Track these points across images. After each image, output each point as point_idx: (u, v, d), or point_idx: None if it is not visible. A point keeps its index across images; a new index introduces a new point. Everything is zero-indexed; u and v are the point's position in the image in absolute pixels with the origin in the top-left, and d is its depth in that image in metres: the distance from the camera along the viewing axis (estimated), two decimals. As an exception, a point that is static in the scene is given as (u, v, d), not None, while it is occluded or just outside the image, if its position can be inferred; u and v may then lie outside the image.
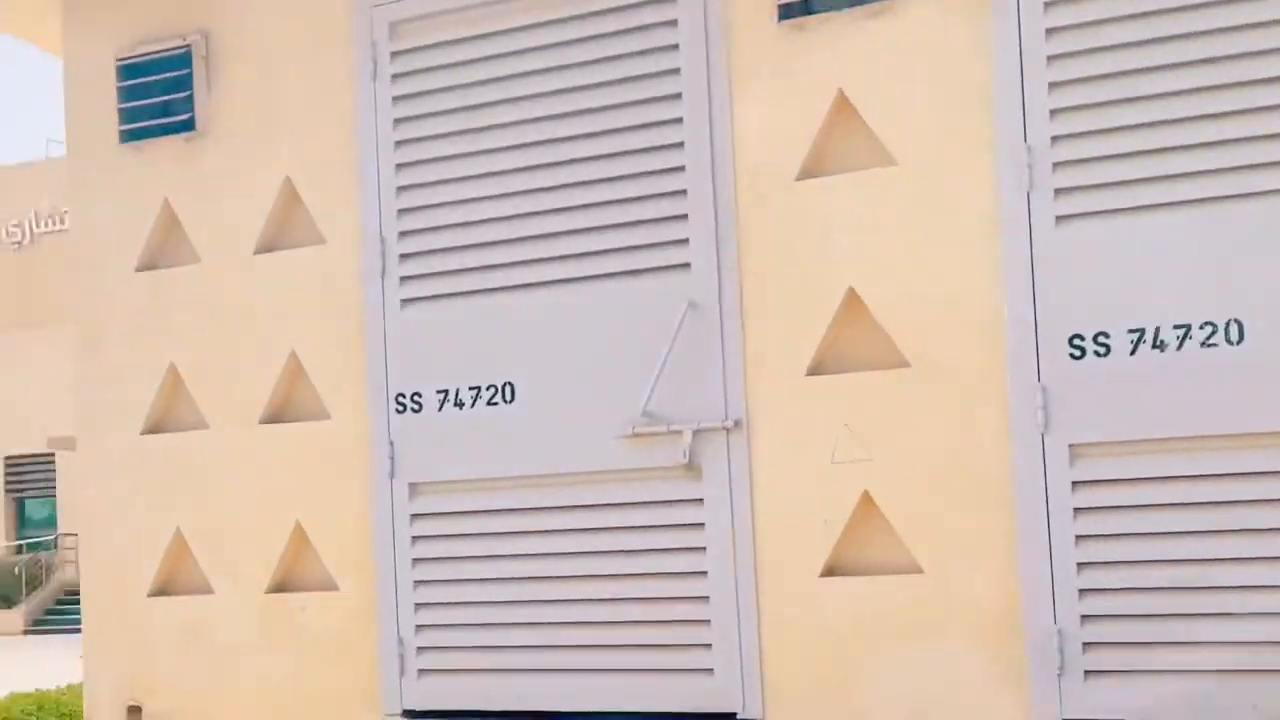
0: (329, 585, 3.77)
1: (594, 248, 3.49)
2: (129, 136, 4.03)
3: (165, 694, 3.95)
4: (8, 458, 21.70)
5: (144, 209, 4.05)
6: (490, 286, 3.60)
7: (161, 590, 4.01)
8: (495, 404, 3.56)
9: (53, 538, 19.99)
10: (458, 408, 3.59)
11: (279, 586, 3.85)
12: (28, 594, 18.63)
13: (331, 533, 3.78)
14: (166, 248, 4.06)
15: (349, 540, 3.74)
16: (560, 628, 3.50)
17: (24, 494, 21.87)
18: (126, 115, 4.01)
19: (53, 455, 21.35)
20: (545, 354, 3.52)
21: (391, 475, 3.67)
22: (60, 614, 19.04)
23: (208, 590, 3.93)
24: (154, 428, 4.04)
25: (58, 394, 21.33)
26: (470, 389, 3.58)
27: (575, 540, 3.49)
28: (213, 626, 3.92)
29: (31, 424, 21.55)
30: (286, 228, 3.89)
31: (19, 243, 23.57)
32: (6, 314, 23.18)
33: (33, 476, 21.64)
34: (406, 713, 3.62)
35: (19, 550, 20.56)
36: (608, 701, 3.44)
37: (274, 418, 3.88)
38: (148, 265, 4.07)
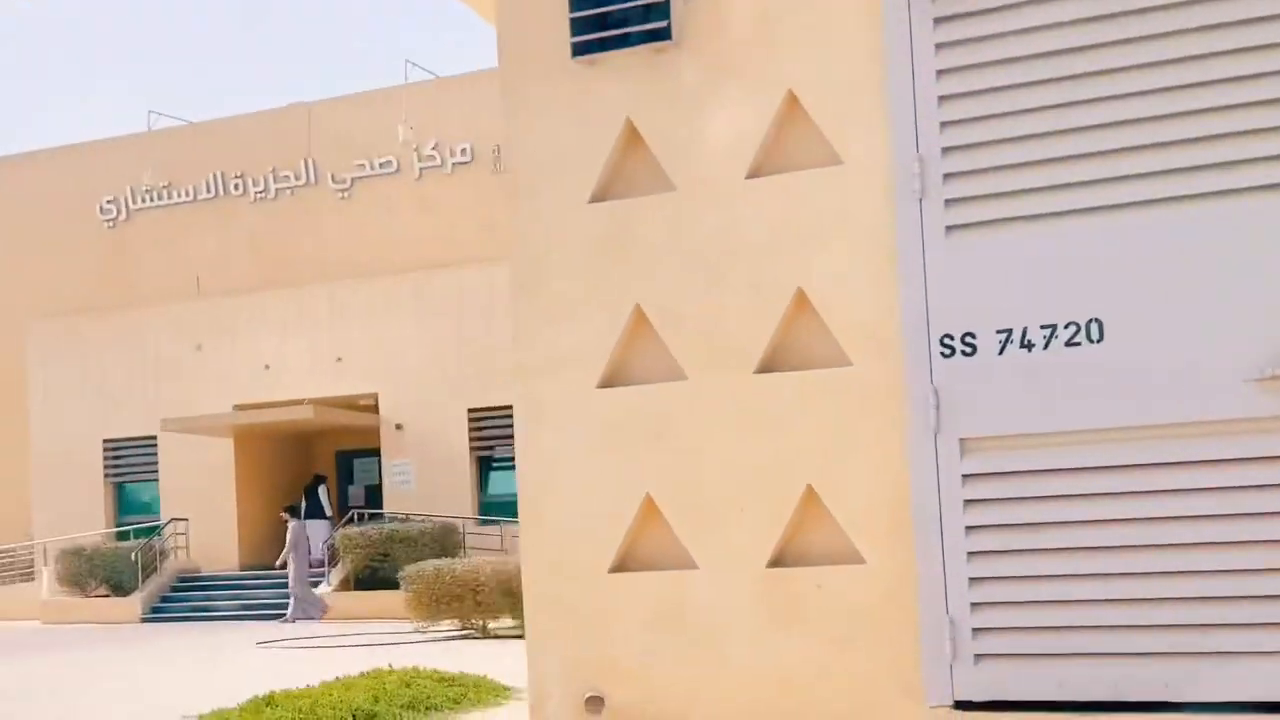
0: (850, 558, 3.39)
1: (1202, 160, 3.06)
2: (583, 49, 3.64)
3: (634, 683, 3.58)
4: (106, 441, 21.71)
5: (601, 131, 3.67)
6: (1062, 209, 3.19)
7: (626, 565, 3.64)
8: (1077, 344, 3.14)
9: (163, 523, 19.89)
10: (1025, 349, 3.18)
11: (782, 560, 3.46)
12: (142, 581, 18.57)
13: (853, 498, 3.39)
14: (629, 174, 3.68)
15: (877, 506, 3.35)
16: (1155, 604, 3.08)
17: (123, 478, 21.87)
18: (580, 25, 3.63)
19: (153, 437, 21.35)
20: (1142, 284, 3.10)
21: (936, 430, 3.26)
22: (176, 600, 19.00)
23: (687, 565, 3.56)
24: (613, 379, 3.67)
25: (153, 376, 21.31)
26: (1043, 328, 3.17)
27: (1181, 502, 3.08)
28: (694, 606, 3.54)
29: (128, 407, 21.58)
30: (787, 148, 3.49)
31: (113, 220, 23.54)
32: (97, 294, 23.17)
33: (132, 460, 21.65)
34: (960, 704, 3.23)
35: (125, 536, 20.53)
36: (1215, 690, 3.03)
37: (772, 365, 3.49)
38: (605, 195, 3.69)
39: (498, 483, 20.03)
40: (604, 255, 3.66)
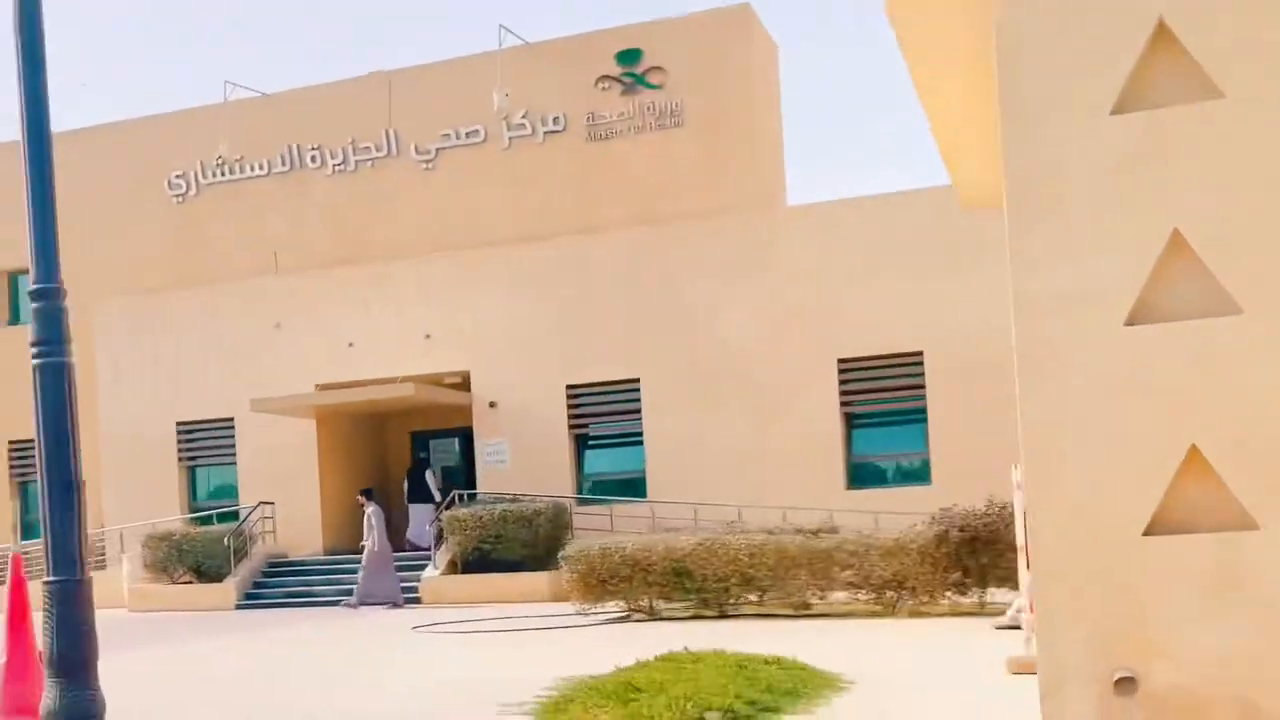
0: None
1: None
2: (1109, -64, 3.28)
3: (1177, 662, 3.25)
4: (180, 423, 21.55)
5: (1125, 32, 3.30)
6: None
7: (1164, 527, 3.29)
8: None
9: (249, 507, 19.69)
10: None
11: (1372, 519, 3.11)
12: (234, 566, 18.41)
13: None
14: (1161, 81, 3.31)
15: None
16: None
17: (198, 462, 21.71)
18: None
19: (230, 419, 21.18)
20: None
21: None
22: (269, 586, 18.83)
23: (1244, 525, 3.21)
24: (1144, 315, 3.31)
25: (230, 357, 21.10)
26: None
27: None
28: (1254, 573, 3.20)
29: (202, 388, 21.39)
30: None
31: (181, 195, 23.30)
32: (163, 272, 22.98)
33: (207, 443, 21.49)
34: None
35: (205, 520, 20.37)
36: None
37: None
38: (1131, 105, 3.32)
39: (597, 461, 19.76)
40: (1131, 174, 3.30)
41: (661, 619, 12.79)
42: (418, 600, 17.13)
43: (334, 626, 14.50)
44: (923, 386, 18.14)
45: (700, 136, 20.48)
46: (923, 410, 18.21)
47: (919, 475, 18.45)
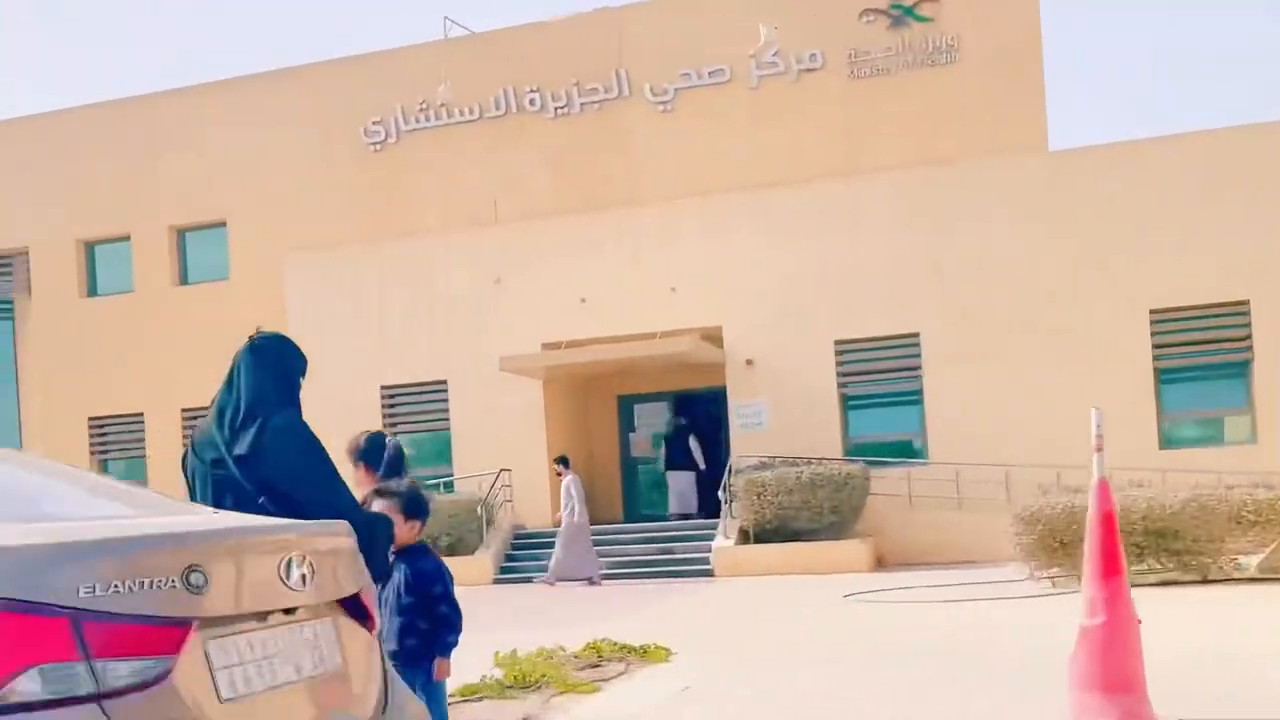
0: None
1: None
2: None
3: None
4: (384, 387, 21.38)
5: None
6: None
7: None
8: None
9: (493, 474, 19.40)
10: None
11: None
12: (485, 538, 18.14)
13: None
14: None
15: None
16: None
17: (404, 428, 21.48)
18: None
19: (442, 382, 20.96)
20: None
21: None
22: (521, 559, 18.47)
23: None
24: None
25: (442, 313, 20.94)
26: None
27: None
28: None
29: (410, 348, 21.24)
30: None
31: (379, 143, 23.35)
32: (355, 224, 22.95)
33: (415, 407, 21.27)
34: None
35: (439, 488, 20.10)
36: None
37: None
38: None
39: (865, 422, 19.26)
40: None
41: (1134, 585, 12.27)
42: (709, 573, 16.72)
43: (732, 596, 14.22)
44: (1248, 338, 17.58)
45: (976, 75, 20.17)
46: (1245, 364, 17.67)
47: (1241, 434, 17.82)
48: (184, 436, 24.49)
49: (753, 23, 20.79)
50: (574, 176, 22.07)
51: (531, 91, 22.39)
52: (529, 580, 17.58)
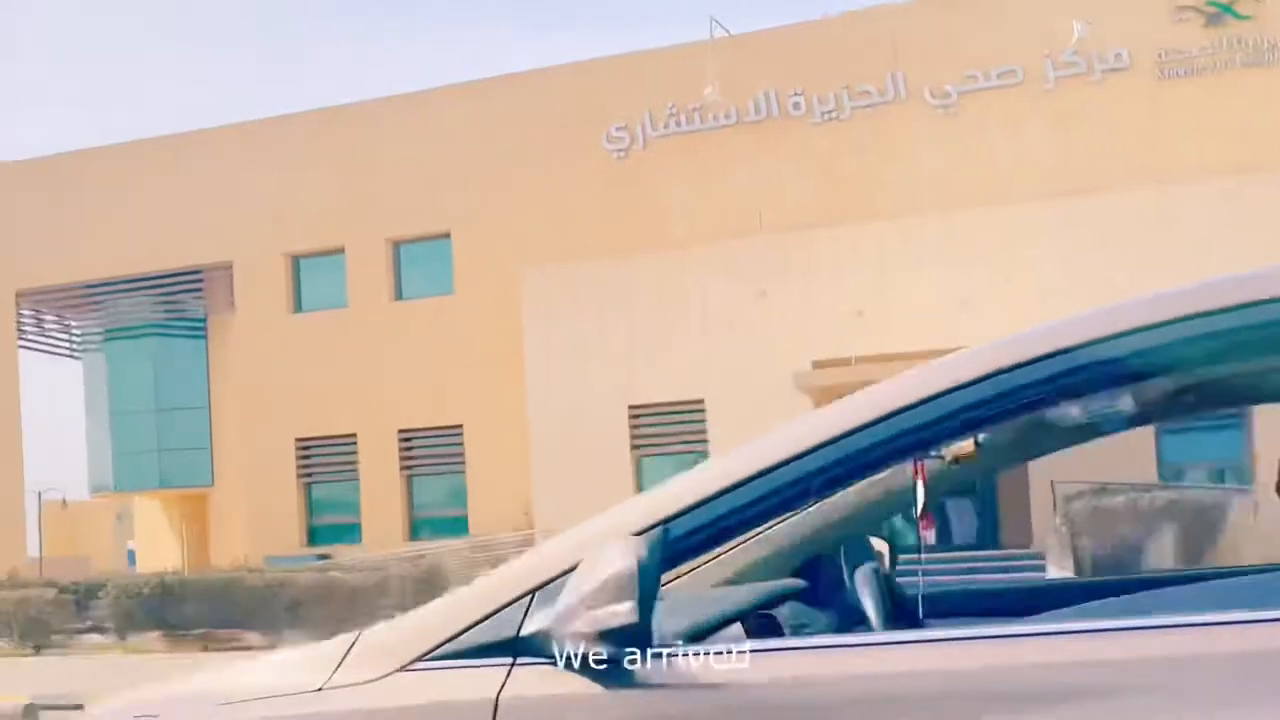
0: None
1: None
2: None
3: None
4: (633, 407, 21.67)
5: None
6: None
7: None
8: None
9: None
10: None
11: None
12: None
13: None
14: None
15: None
16: None
17: (654, 450, 21.66)
18: None
19: (699, 401, 21.13)
20: None
21: None
22: None
23: None
24: None
25: (699, 329, 21.05)
26: None
27: None
28: None
29: (661, 366, 21.41)
30: None
31: (623, 149, 23.81)
32: (596, 236, 23.30)
33: (667, 429, 21.45)
34: None
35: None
36: None
37: None
38: None
39: (1177, 446, 18.89)
40: None
41: None
42: None
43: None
44: None
45: (1303, 76, 19.93)
46: None
47: None
48: (401, 459, 24.99)
49: (1047, 20, 20.95)
50: (842, 184, 22.26)
51: (795, 95, 22.69)
52: None
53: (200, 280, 27.65)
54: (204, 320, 27.99)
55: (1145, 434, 18.57)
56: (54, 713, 9.32)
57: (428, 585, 16.81)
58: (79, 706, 9.95)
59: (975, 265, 19.88)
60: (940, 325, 19.85)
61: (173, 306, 28.18)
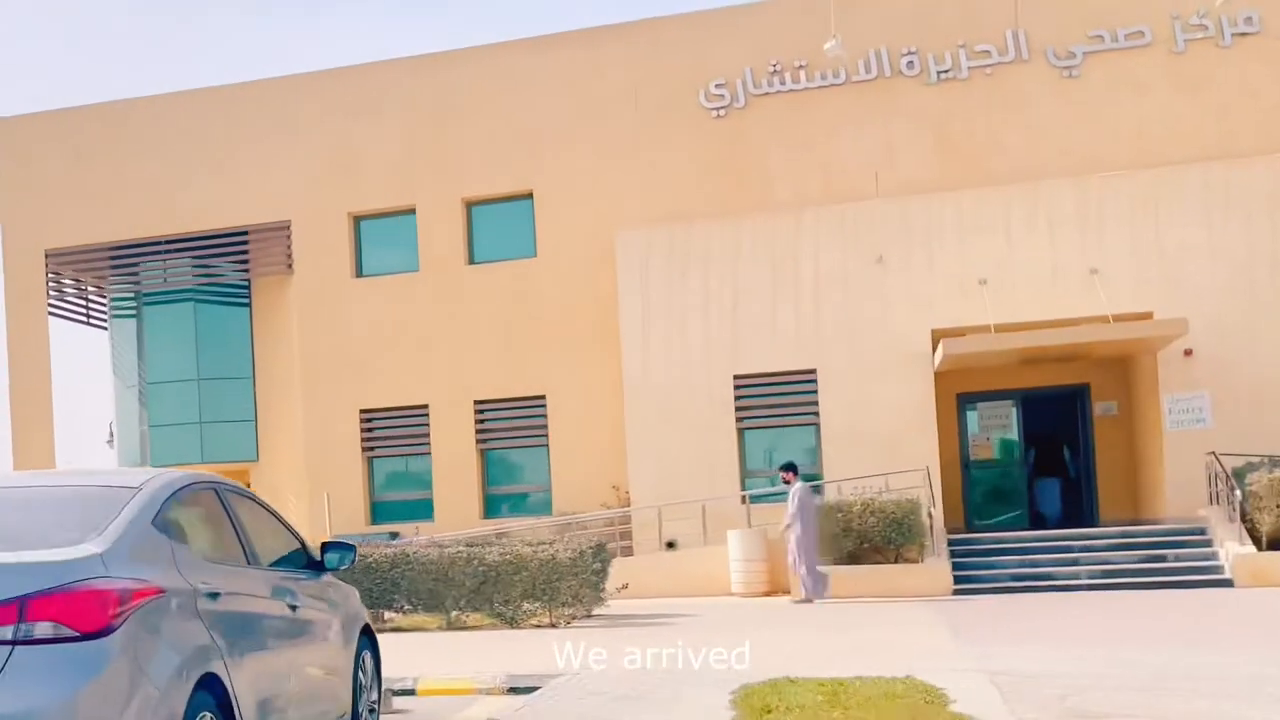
0: None
1: None
2: None
3: None
4: (737, 377, 23.45)
5: None
6: None
7: None
8: None
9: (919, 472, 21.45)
10: None
11: None
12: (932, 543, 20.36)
13: None
14: None
15: None
16: None
17: (759, 422, 23.43)
18: None
19: (811, 371, 22.99)
20: None
21: None
22: (970, 567, 20.50)
23: None
24: None
25: (809, 296, 22.89)
26: None
27: None
28: None
29: (768, 334, 23.25)
30: None
31: (723, 108, 25.66)
32: (693, 197, 25.10)
33: (773, 399, 23.22)
34: None
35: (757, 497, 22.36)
36: None
37: None
38: None
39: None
40: None
41: None
42: (1224, 582, 18.76)
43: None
44: None
45: None
46: None
47: None
48: (477, 432, 26.70)
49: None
50: (959, 147, 24.38)
51: (908, 54, 24.66)
52: (1002, 590, 19.33)
53: (245, 242, 29.28)
54: (248, 285, 29.60)
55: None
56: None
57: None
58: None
59: (1106, 232, 21.95)
60: (1066, 295, 21.88)
61: (214, 270, 29.77)
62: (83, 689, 5.07)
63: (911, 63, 24.90)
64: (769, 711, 8.93)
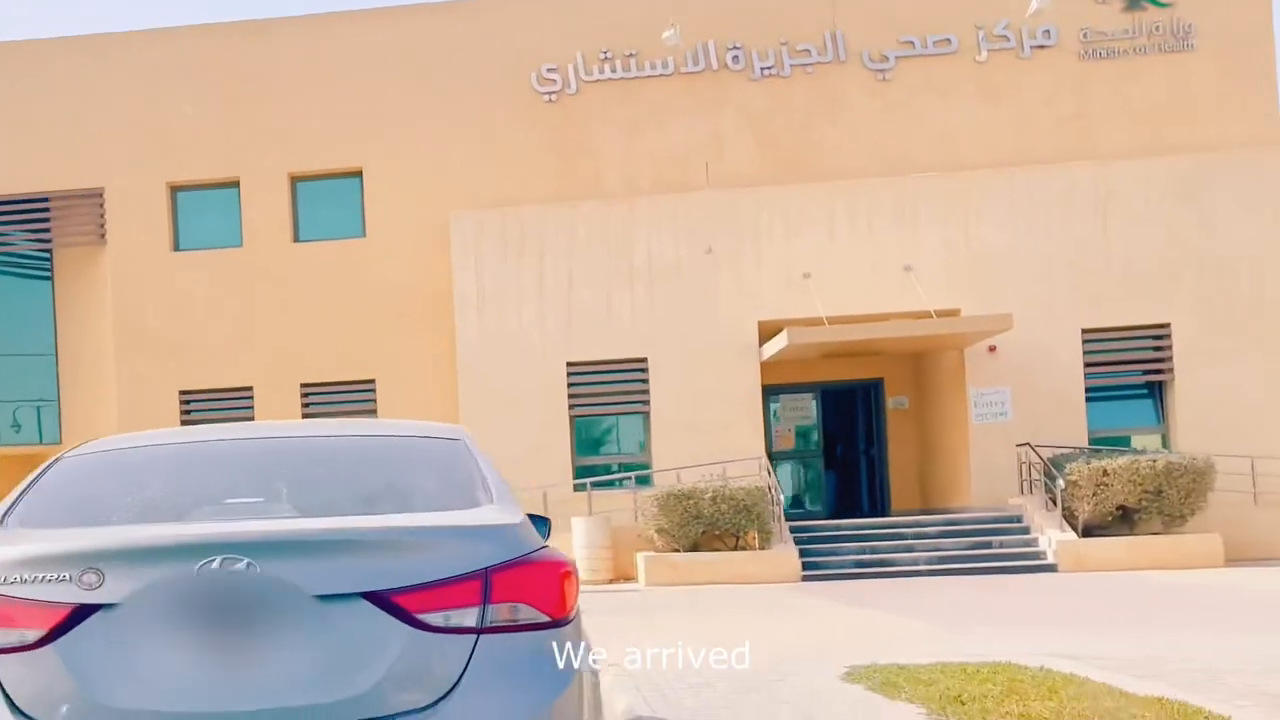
0: None
1: None
2: None
3: None
4: (571, 364, 25.78)
5: None
6: None
7: None
8: None
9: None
10: None
11: None
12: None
13: None
14: None
15: None
16: None
17: (591, 410, 25.91)
18: None
19: (642, 360, 25.44)
20: None
21: None
22: (816, 554, 23.24)
23: None
24: None
25: (643, 283, 25.45)
26: None
27: None
28: None
29: (598, 321, 25.64)
30: None
31: (554, 92, 27.72)
32: (521, 181, 27.21)
33: (606, 387, 25.67)
34: None
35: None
36: None
37: None
38: None
39: (1104, 414, 24.59)
40: None
41: None
42: (1047, 568, 21.96)
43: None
44: None
45: (1214, 62, 25.75)
46: None
47: None
48: (304, 415, 28.34)
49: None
50: (782, 143, 27.08)
51: (734, 49, 27.24)
52: (844, 576, 22.40)
53: (47, 209, 29.92)
54: (49, 256, 30.24)
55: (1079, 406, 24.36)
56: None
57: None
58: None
59: (919, 231, 25.07)
60: (885, 290, 24.99)
61: (6, 238, 30.20)
62: (559, 701, 4.33)
63: (737, 57, 27.51)
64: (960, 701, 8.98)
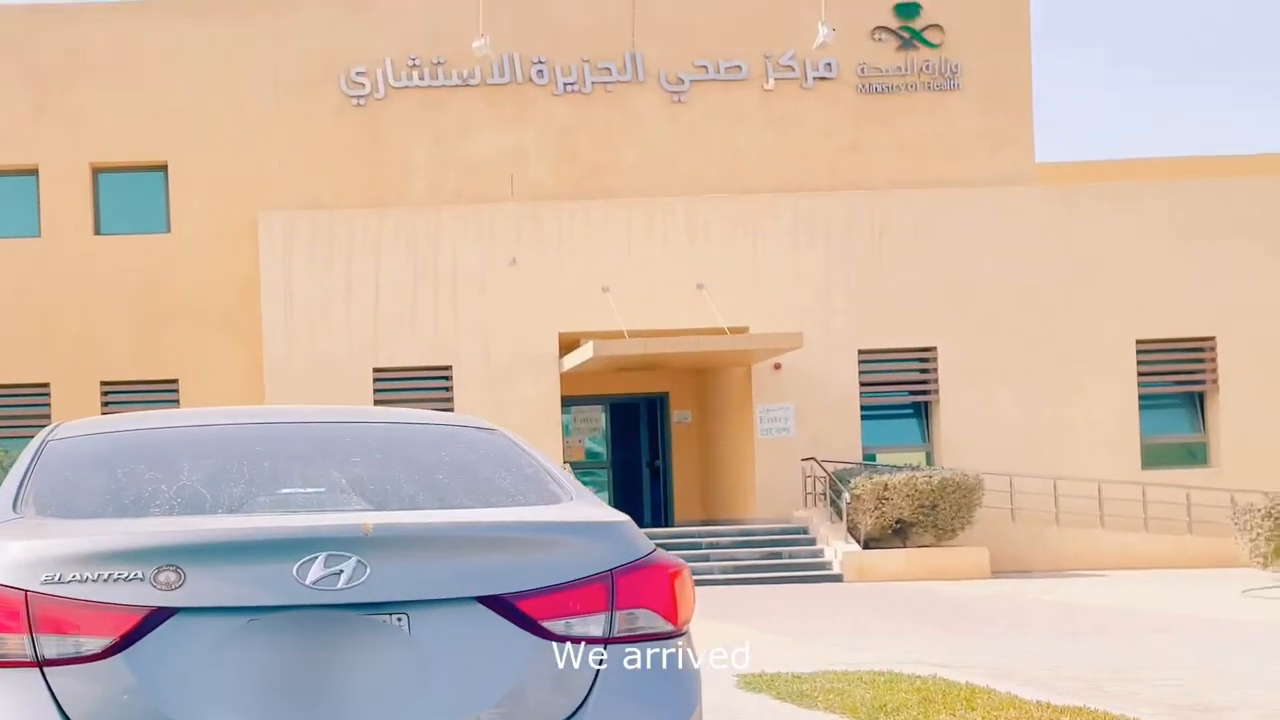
0: None
1: None
2: None
3: None
4: (378, 370, 28.05)
5: None
6: None
7: None
8: None
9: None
10: None
11: None
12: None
13: None
14: None
15: None
16: None
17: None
18: None
19: (448, 368, 27.93)
20: None
21: None
22: None
23: None
24: None
25: (449, 293, 28.00)
26: None
27: None
28: None
29: (408, 328, 28.01)
30: None
31: (362, 97, 29.67)
32: (328, 184, 29.19)
33: (412, 391, 28.09)
34: None
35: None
36: None
37: None
38: None
39: (878, 432, 28.26)
40: None
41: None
42: (834, 578, 24.99)
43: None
44: (1213, 372, 27.92)
45: (978, 102, 29.45)
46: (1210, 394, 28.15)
47: (1199, 457, 28.18)
48: (103, 414, 29.90)
49: (774, 18, 29.19)
50: (582, 159, 29.76)
51: (539, 62, 29.76)
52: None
53: None
54: None
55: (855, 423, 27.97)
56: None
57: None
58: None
59: (711, 250, 28.10)
60: (678, 306, 28.06)
61: None
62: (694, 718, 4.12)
63: (541, 71, 29.98)
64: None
